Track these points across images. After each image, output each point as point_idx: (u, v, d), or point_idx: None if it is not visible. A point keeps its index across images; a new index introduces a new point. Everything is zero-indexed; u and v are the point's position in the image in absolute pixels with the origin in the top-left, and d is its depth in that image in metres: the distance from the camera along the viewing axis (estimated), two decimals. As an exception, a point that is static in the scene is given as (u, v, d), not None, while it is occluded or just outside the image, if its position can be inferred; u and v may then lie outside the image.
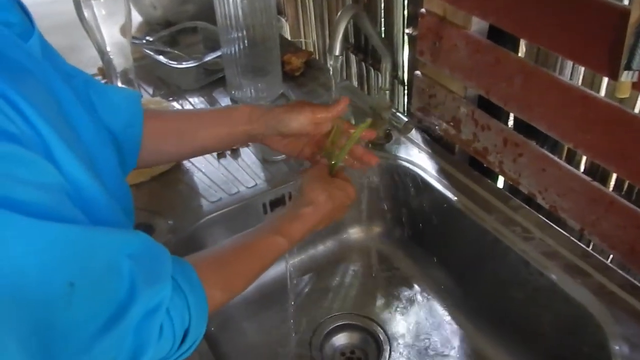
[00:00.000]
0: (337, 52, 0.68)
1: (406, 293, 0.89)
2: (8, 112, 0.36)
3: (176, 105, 1.06)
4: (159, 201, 0.83)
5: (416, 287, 0.89)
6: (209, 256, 0.56)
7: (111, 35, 0.90)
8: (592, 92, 0.64)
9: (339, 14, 0.68)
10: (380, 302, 0.88)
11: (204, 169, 0.90)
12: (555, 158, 0.72)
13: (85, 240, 0.38)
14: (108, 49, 0.88)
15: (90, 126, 0.50)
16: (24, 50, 0.43)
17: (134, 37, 1.06)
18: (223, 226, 0.83)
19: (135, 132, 0.61)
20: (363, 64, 1.19)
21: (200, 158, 0.91)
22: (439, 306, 0.86)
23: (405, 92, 1.05)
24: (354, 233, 0.98)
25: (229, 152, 0.93)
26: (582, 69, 0.74)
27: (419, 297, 0.88)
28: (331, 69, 0.68)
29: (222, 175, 0.88)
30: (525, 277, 0.72)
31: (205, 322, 0.49)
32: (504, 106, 0.76)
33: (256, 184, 0.87)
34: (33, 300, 0.35)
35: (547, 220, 0.76)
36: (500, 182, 0.94)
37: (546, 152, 0.73)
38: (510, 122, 0.87)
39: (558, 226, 0.76)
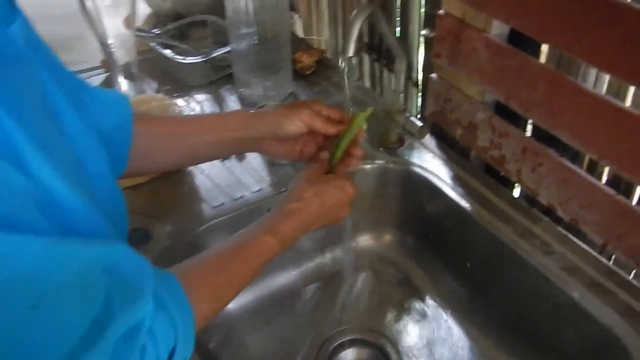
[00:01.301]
0: (350, 53, 0.64)
1: (418, 306, 0.85)
2: None
3: (181, 102, 1.03)
4: (158, 204, 0.80)
5: (428, 299, 0.85)
6: (195, 265, 0.52)
7: (115, 27, 0.87)
8: (620, 103, 0.60)
9: (354, 12, 0.65)
10: (390, 315, 0.85)
11: (207, 171, 0.86)
12: (578, 169, 0.68)
13: (50, 254, 0.34)
14: (110, 41, 0.85)
15: (79, 124, 0.47)
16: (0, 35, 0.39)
17: (140, 30, 1.03)
18: (225, 233, 0.80)
19: (125, 135, 0.58)
20: (376, 64, 1.15)
21: (204, 159, 0.88)
22: (452, 320, 0.82)
23: (419, 94, 1.01)
24: (363, 241, 0.94)
25: (234, 153, 0.90)
26: (607, 76, 0.69)
27: (431, 310, 0.84)
28: (344, 70, 0.64)
29: (226, 178, 0.85)
30: (544, 293, 0.68)
31: (192, 340, 0.45)
32: (524, 113, 0.72)
33: (261, 188, 0.84)
34: None
35: (567, 233, 0.72)
36: (517, 191, 0.90)
37: (568, 163, 0.69)
38: (528, 130, 0.83)
39: (577, 239, 0.72)
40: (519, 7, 0.66)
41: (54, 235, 0.35)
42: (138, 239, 0.76)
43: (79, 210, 0.39)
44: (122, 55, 0.88)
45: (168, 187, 0.83)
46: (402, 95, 0.83)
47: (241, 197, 0.82)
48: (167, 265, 0.73)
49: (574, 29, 0.60)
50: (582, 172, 0.67)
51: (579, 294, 0.64)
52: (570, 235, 0.71)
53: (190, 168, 0.87)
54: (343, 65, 0.64)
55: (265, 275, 0.87)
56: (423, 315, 0.84)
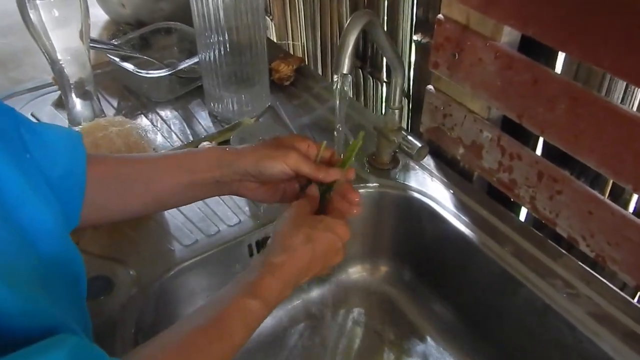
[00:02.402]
0: (345, 70, 0.54)
1: (419, 347, 0.76)
2: None
3: (145, 121, 0.91)
4: (121, 245, 0.69)
5: (430, 340, 0.76)
6: (166, 346, 0.42)
7: (66, 39, 0.75)
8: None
9: (348, 22, 0.54)
10: (388, 357, 0.75)
11: (178, 203, 0.75)
12: (607, 200, 0.59)
13: None
14: (59, 56, 0.73)
15: (19, 179, 0.40)
16: None
17: (95, 41, 0.90)
18: (200, 275, 0.69)
19: (77, 182, 0.47)
20: (360, 70, 1.06)
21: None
22: (456, 364, 0.73)
23: (410, 107, 0.92)
24: (355, 273, 0.84)
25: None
26: (639, 92, 0.61)
27: (434, 353, 0.75)
28: (337, 91, 0.54)
29: (199, 211, 0.74)
30: (570, 344, 0.59)
31: None
32: (540, 134, 0.64)
33: (240, 221, 0.73)
34: None
35: (594, 273, 0.63)
36: (523, 213, 0.82)
37: (594, 192, 0.60)
38: (539, 148, 0.75)
39: (602, 276, 0.63)
40: (538, 12, 0.57)
41: None
42: (98, 288, 0.64)
43: (13, 313, 0.32)
44: (74, 71, 0.76)
45: (132, 224, 0.72)
46: (397, 112, 0.73)
47: (217, 232, 0.71)
48: (134, 322, 0.62)
49: (606, 41, 0.52)
50: (611, 204, 0.59)
51: (612, 346, 0.56)
52: (597, 275, 0.63)
53: (157, 200, 0.75)
54: (336, 84, 0.54)
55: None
56: (424, 358, 0.74)
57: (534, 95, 0.62)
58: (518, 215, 0.81)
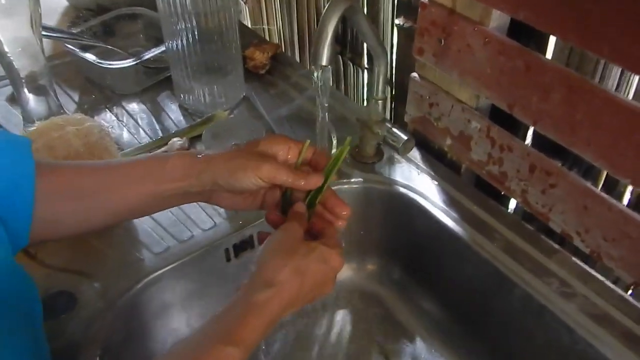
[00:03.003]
0: (324, 61, 0.49)
1: (408, 349, 0.72)
2: None
3: (109, 115, 0.85)
4: (85, 256, 0.63)
5: (420, 341, 0.73)
6: None
7: (14, 29, 0.68)
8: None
9: (326, 8, 0.49)
10: (377, 359, 0.72)
11: (147, 206, 0.70)
12: (604, 194, 0.56)
13: None
14: (6, 48, 0.66)
15: None
16: None
17: (50, 29, 0.83)
18: (174, 285, 0.64)
19: (24, 197, 0.42)
20: (340, 57, 1.01)
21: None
22: (447, 365, 0.70)
23: (392, 96, 0.87)
24: (342, 272, 0.79)
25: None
26: (636, 80, 0.58)
27: (424, 354, 0.71)
28: (318, 82, 0.49)
29: (171, 215, 0.68)
30: (567, 346, 0.57)
31: None
32: (533, 125, 0.60)
33: (215, 224, 0.68)
34: None
35: (590, 270, 0.60)
36: (512, 205, 0.78)
37: (590, 186, 0.57)
38: (528, 138, 0.71)
39: (594, 270, 0.60)
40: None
41: None
42: (59, 306, 0.59)
43: None
44: (25, 64, 0.69)
45: (97, 233, 0.66)
46: (381, 102, 0.69)
47: (191, 237, 0.66)
48: (101, 341, 0.57)
49: (606, 27, 0.47)
50: (609, 199, 0.55)
51: (613, 351, 0.53)
52: (594, 272, 0.60)
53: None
54: (317, 77, 0.49)
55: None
56: (414, 359, 0.71)
57: (527, 84, 0.58)
58: (507, 207, 0.78)
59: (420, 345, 0.72)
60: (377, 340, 0.73)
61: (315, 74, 0.48)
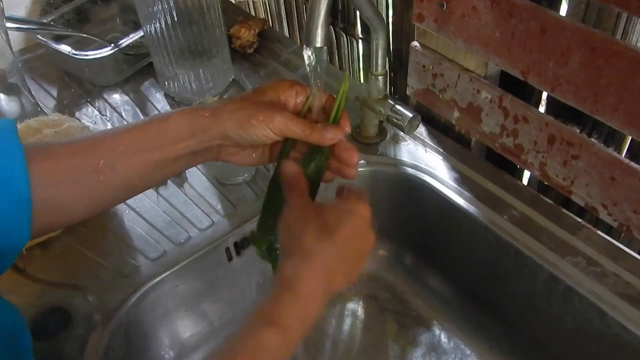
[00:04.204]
0: (319, 42, 0.43)
1: (425, 336, 0.69)
2: None
3: (91, 109, 0.79)
4: (77, 266, 0.59)
5: (436, 328, 0.69)
6: None
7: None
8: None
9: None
10: (392, 351, 0.68)
11: (139, 208, 0.65)
12: (633, 164, 0.51)
13: None
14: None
15: None
16: None
17: (17, 21, 0.77)
18: (174, 292, 0.60)
19: (18, 191, 0.37)
20: (332, 27, 0.94)
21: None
22: (472, 353, 0.67)
23: (390, 67, 0.81)
24: (348, 260, 0.76)
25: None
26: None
27: (443, 341, 0.68)
28: (309, 66, 0.44)
29: (165, 215, 0.64)
30: (598, 330, 0.53)
31: None
32: (550, 92, 0.54)
33: (213, 222, 0.63)
34: None
35: (620, 245, 0.56)
36: (526, 177, 0.74)
37: (618, 156, 0.52)
38: (542, 104, 0.66)
39: (630, 249, 0.56)
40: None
41: None
42: (53, 325, 0.55)
43: None
44: (-10, 62, 0.63)
45: (87, 239, 0.62)
46: (381, 78, 0.63)
47: (188, 238, 0.62)
48: (100, 359, 0.54)
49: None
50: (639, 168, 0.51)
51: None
52: (624, 247, 0.55)
53: (114, 208, 0.65)
54: (310, 59, 0.43)
55: (239, 314, 0.68)
56: (434, 349, 0.68)
57: (542, 47, 0.52)
58: (521, 178, 0.73)
59: (437, 333, 0.69)
60: (391, 330, 0.70)
61: (307, 55, 0.43)
